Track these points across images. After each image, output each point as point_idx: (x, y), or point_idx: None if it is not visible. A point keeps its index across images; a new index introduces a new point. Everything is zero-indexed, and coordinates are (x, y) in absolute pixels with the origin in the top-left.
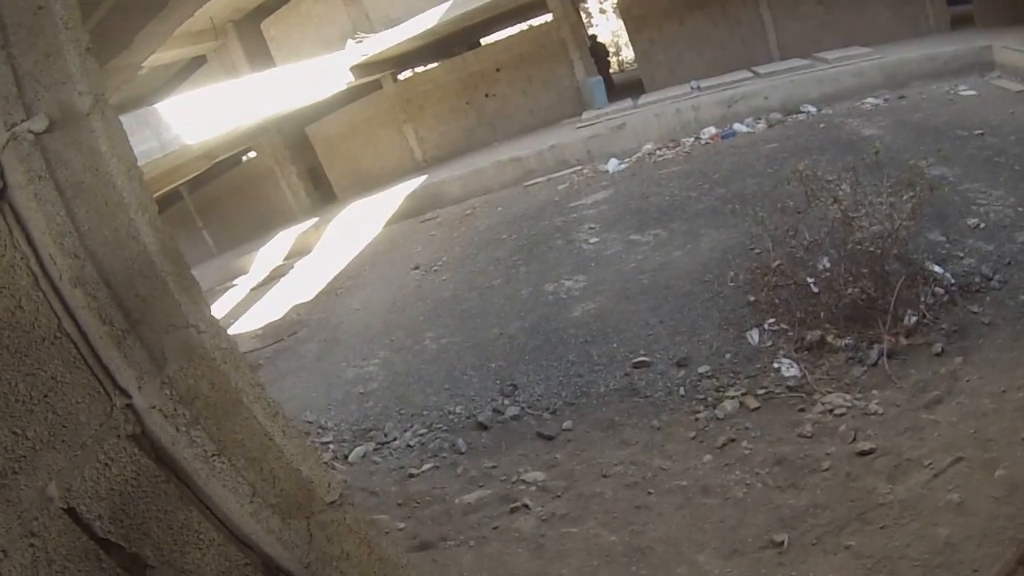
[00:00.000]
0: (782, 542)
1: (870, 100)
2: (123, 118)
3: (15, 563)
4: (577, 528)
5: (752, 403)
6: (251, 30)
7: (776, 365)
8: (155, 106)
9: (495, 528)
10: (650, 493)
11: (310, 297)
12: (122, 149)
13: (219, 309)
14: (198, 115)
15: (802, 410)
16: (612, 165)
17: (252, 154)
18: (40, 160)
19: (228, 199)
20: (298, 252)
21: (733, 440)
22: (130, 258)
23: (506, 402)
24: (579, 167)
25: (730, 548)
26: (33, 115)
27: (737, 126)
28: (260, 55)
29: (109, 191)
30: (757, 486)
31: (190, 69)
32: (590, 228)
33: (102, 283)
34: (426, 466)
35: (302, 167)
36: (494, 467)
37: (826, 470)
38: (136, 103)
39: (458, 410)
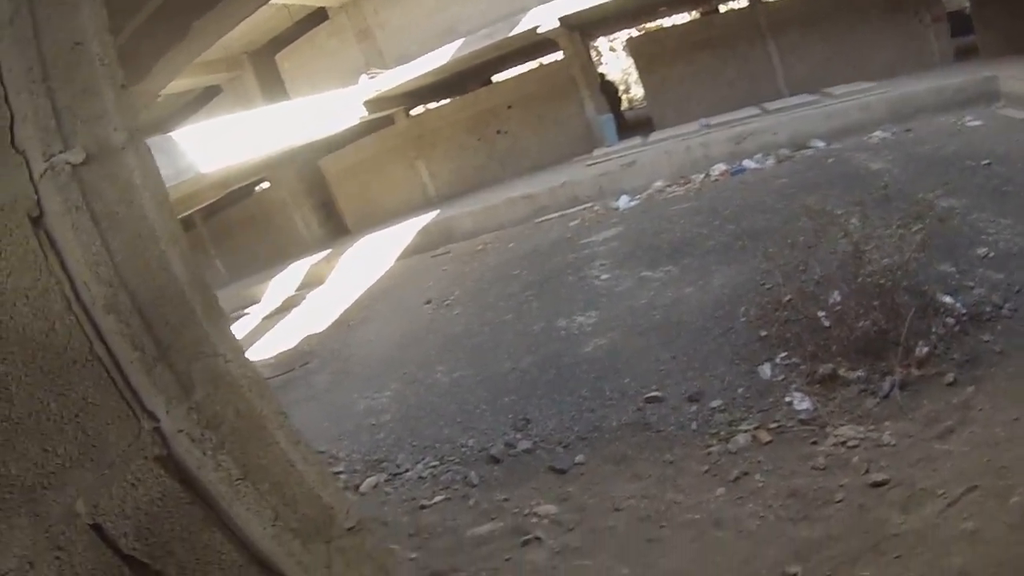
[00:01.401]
0: (795, 574)
1: (877, 134)
2: None
3: (40, 575)
4: (590, 561)
5: (765, 437)
6: (266, 62)
7: (788, 399)
8: (171, 134)
9: (507, 560)
10: (663, 526)
11: (322, 328)
12: (154, 183)
13: None
14: (213, 144)
15: (815, 443)
16: (623, 202)
17: (265, 184)
18: (77, 191)
19: (241, 228)
20: (310, 283)
21: (746, 473)
22: (161, 287)
23: (518, 436)
24: (590, 204)
25: None
26: (70, 147)
27: (747, 162)
28: (274, 87)
29: (141, 223)
30: (770, 518)
31: (204, 98)
32: (601, 264)
33: (135, 311)
34: (438, 498)
35: (315, 199)
36: (506, 500)
37: (839, 502)
38: (151, 129)
39: (470, 443)
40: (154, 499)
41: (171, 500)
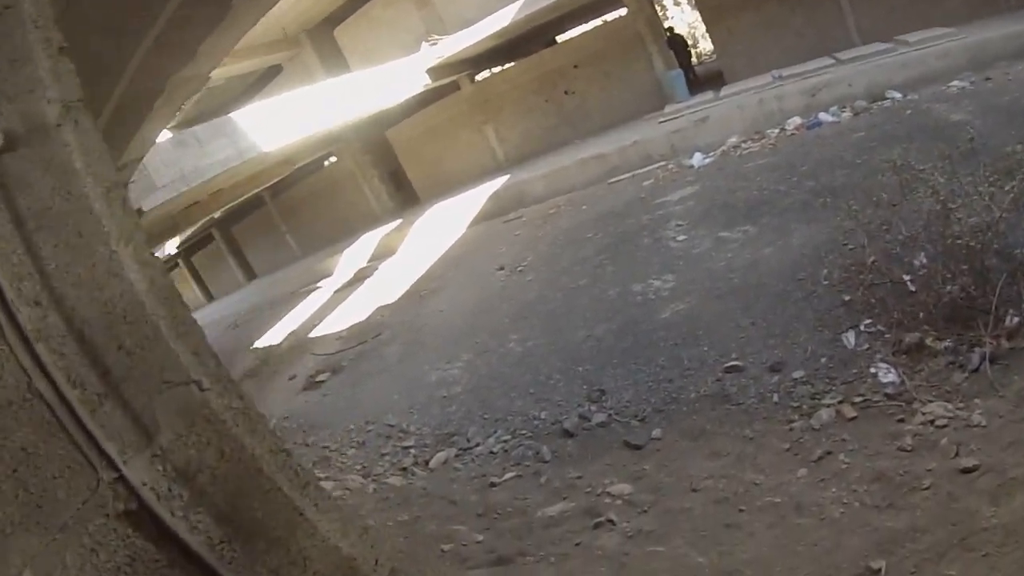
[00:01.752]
0: (879, 570)
1: (956, 83)
2: (198, 128)
3: None
4: (663, 547)
5: (849, 412)
6: (324, 38)
7: (873, 370)
8: (231, 115)
9: (577, 544)
10: (741, 510)
11: (394, 299)
12: (101, 166)
13: (303, 312)
14: (275, 122)
15: (901, 420)
16: (697, 160)
17: (333, 159)
18: None
19: (311, 203)
20: (382, 254)
21: (829, 453)
22: (110, 301)
23: (593, 408)
24: (663, 162)
25: (823, 574)
26: None
27: (822, 115)
28: (335, 61)
29: (83, 218)
30: (854, 505)
31: (267, 78)
32: (677, 225)
33: (70, 336)
34: (508, 475)
35: (383, 170)
36: (579, 477)
37: (927, 488)
38: (216, 114)
39: (543, 416)
40: (121, 565)
41: (143, 565)
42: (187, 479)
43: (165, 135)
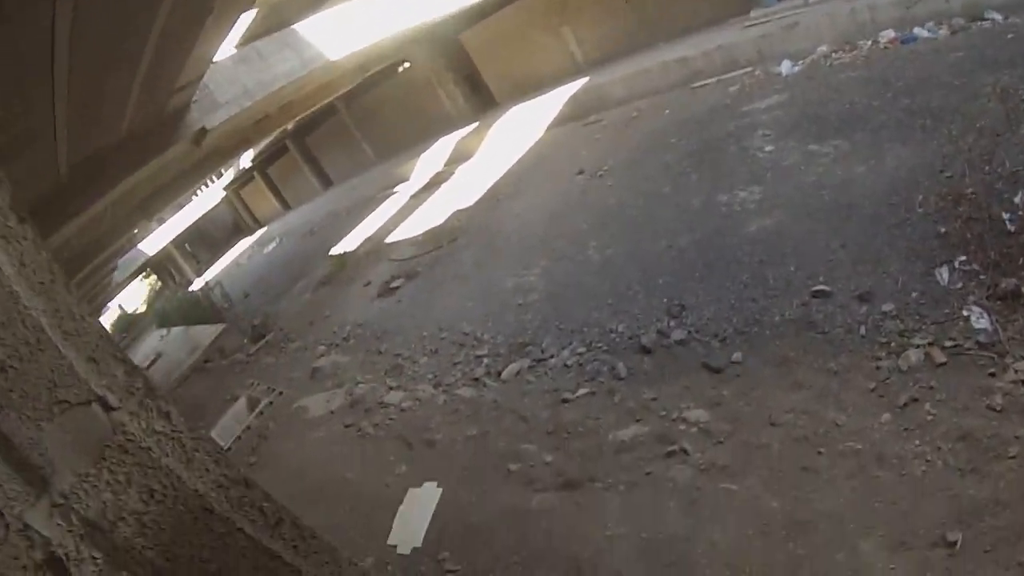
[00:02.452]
0: (955, 542)
1: None
2: (259, 43)
3: None
4: (737, 485)
5: (939, 357)
6: None
7: (966, 312)
8: (294, 26)
9: (648, 474)
10: (820, 452)
11: (471, 203)
12: None
13: (379, 217)
14: (341, 30)
15: (992, 374)
16: (786, 67)
17: (407, 65)
18: None
19: (385, 109)
20: (458, 158)
21: (915, 400)
22: None
23: (672, 324)
24: (749, 68)
25: (898, 538)
26: None
27: (917, 30)
28: None
29: None
30: (937, 464)
31: None
32: (765, 135)
33: None
34: (582, 391)
35: (459, 74)
36: (654, 399)
37: (1012, 457)
38: (279, 26)
39: (620, 329)
40: None
41: None
42: (103, 532)
43: (227, 53)
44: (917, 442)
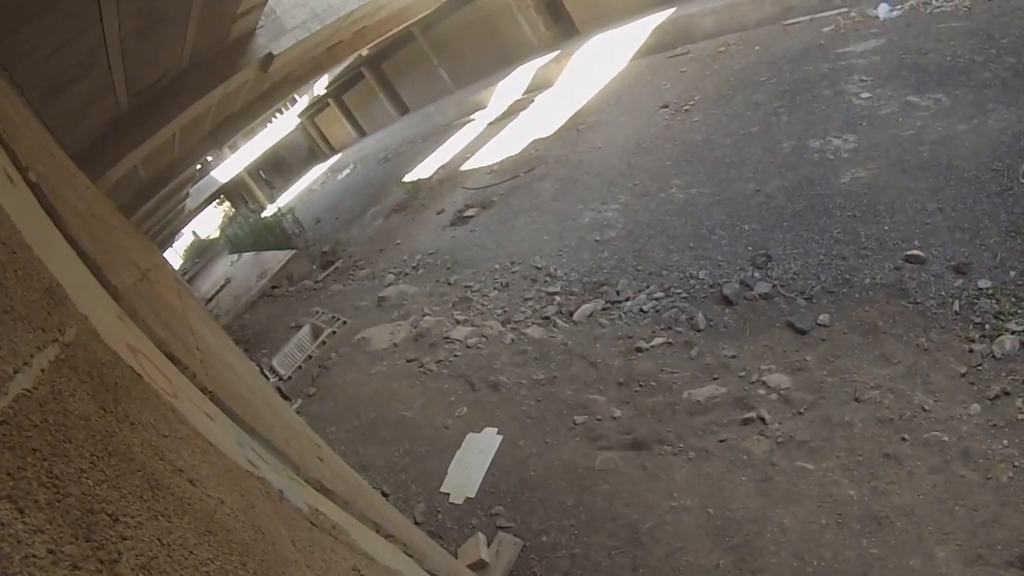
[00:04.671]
0: None
1: None
2: None
3: None
4: (814, 465)
5: None
6: None
7: None
8: None
9: (722, 441)
10: (904, 439)
11: (550, 133)
12: None
13: (455, 145)
14: None
15: None
16: (883, 11)
17: None
18: None
19: (463, 36)
20: (538, 86)
21: (1007, 394)
22: None
23: (756, 275)
24: (845, 9)
25: (975, 551)
26: None
27: None
28: None
29: None
30: None
31: None
32: (861, 80)
33: None
34: (657, 340)
35: (540, 1)
36: (733, 357)
37: None
38: None
39: (701, 275)
40: None
41: None
42: None
43: None
44: (1005, 442)
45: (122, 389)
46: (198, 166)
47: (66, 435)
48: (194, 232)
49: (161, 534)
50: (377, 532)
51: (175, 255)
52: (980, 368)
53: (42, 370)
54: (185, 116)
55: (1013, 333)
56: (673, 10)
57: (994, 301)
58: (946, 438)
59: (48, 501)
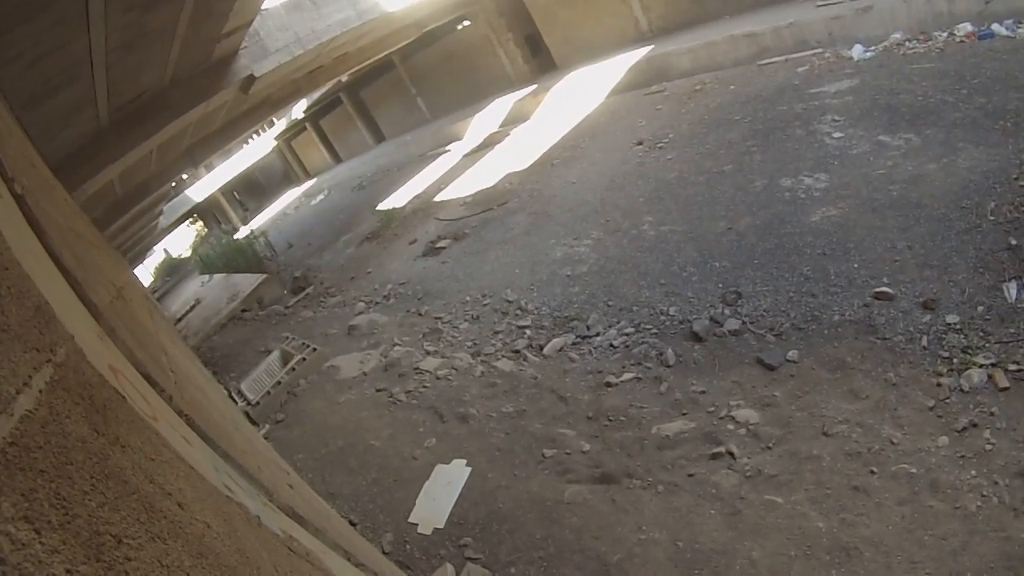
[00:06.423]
0: None
1: None
2: None
3: None
4: (783, 498)
5: (1002, 381)
6: None
7: None
8: None
9: (690, 475)
10: (873, 472)
11: (524, 166)
12: None
13: (430, 175)
14: None
15: None
16: (857, 52)
17: (466, 23)
18: None
19: (442, 67)
20: (514, 119)
21: (975, 425)
22: None
23: (727, 312)
24: (819, 49)
25: None
26: None
27: (995, 27)
28: None
29: None
30: (992, 500)
31: None
32: (834, 120)
33: None
34: (627, 375)
35: (519, 34)
36: (702, 392)
37: None
38: None
39: (671, 311)
40: None
41: None
42: None
43: (279, 0)
44: (973, 472)
45: (110, 411)
46: (173, 184)
47: (67, 457)
48: (166, 250)
49: (160, 556)
50: (348, 560)
51: (146, 272)
52: (948, 401)
53: (40, 391)
54: (165, 133)
55: (981, 366)
56: (651, 48)
57: (962, 336)
58: (914, 470)
59: (60, 522)
